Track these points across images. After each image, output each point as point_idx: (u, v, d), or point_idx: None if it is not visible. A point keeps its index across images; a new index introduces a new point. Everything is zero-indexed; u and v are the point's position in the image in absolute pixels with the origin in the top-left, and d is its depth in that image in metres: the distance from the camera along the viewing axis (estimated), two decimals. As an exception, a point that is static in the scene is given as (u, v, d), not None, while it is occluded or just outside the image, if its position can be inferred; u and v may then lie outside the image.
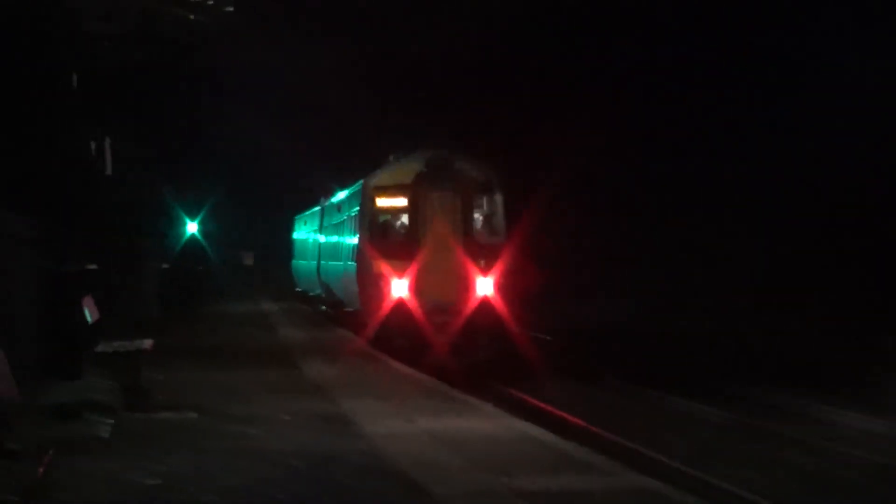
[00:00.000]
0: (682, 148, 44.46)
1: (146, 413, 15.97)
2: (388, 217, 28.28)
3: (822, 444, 17.75)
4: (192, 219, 43.80)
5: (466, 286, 26.50)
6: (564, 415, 20.33)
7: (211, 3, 19.29)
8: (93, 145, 21.14)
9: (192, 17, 19.42)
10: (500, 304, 26.38)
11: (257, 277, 67.91)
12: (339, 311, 31.90)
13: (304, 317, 38.02)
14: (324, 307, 38.41)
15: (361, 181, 29.31)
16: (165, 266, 38.35)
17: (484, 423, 15.69)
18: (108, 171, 21.97)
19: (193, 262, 43.74)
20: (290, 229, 55.09)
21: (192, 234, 43.90)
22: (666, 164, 45.29)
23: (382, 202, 28.10)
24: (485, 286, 26.46)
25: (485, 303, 26.32)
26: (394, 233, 28.15)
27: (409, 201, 27.58)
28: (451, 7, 46.06)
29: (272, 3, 41.50)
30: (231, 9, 19.79)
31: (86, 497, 10.59)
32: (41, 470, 10.53)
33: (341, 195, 34.14)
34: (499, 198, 27.87)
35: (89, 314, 17.92)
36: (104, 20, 14.25)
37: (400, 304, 26.48)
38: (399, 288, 26.58)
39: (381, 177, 28.59)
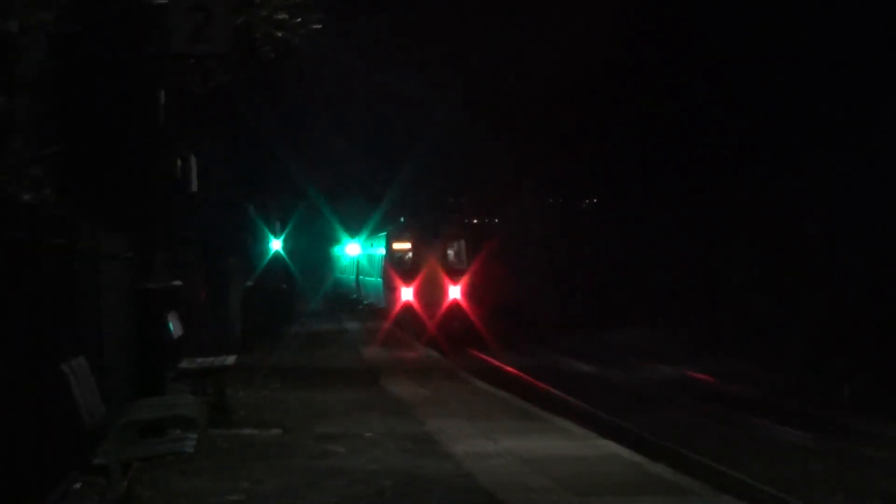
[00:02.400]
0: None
1: (230, 429, 15.94)
2: (401, 253, 44.97)
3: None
4: (277, 236, 43.94)
5: (444, 293, 42.41)
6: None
7: (298, 20, 19.24)
8: (179, 162, 21.21)
9: (279, 34, 19.38)
10: (464, 304, 42.08)
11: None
12: (391, 319, 43.99)
13: (385, 336, 38.13)
14: (361, 306, 53.77)
15: (386, 231, 46.57)
16: (249, 284, 38.44)
17: (569, 442, 15.47)
18: (194, 188, 22.02)
19: (277, 279, 43.79)
20: (327, 251, 73.22)
21: (276, 252, 43.98)
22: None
23: (396, 245, 45.11)
24: (455, 292, 42.34)
25: (455, 303, 42.22)
26: (404, 262, 44.55)
27: (412, 245, 44.49)
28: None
29: (360, 22, 42.30)
30: (319, 26, 19.72)
31: (170, 512, 10.55)
32: (125, 484, 10.49)
33: (374, 236, 51.42)
34: (463, 242, 44.14)
35: (174, 330, 17.94)
36: (192, 40, 14.21)
37: (407, 304, 42.76)
38: (407, 294, 42.91)
39: (397, 228, 46.35)
